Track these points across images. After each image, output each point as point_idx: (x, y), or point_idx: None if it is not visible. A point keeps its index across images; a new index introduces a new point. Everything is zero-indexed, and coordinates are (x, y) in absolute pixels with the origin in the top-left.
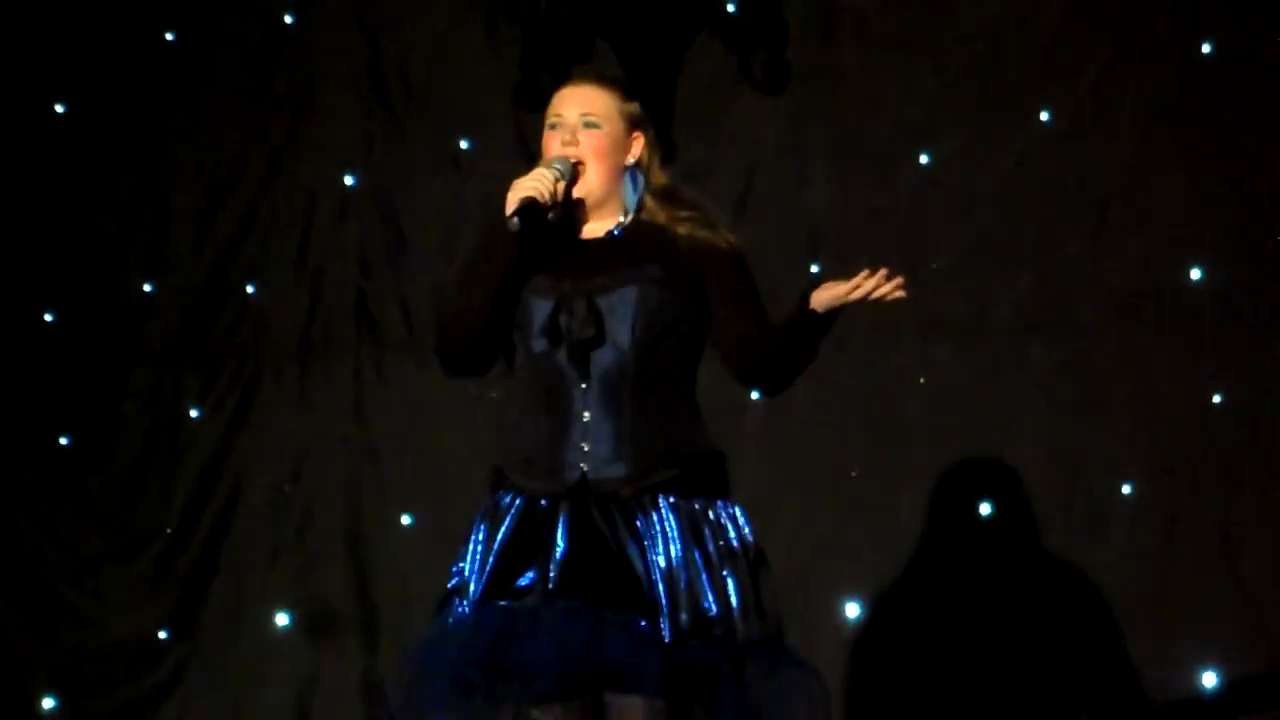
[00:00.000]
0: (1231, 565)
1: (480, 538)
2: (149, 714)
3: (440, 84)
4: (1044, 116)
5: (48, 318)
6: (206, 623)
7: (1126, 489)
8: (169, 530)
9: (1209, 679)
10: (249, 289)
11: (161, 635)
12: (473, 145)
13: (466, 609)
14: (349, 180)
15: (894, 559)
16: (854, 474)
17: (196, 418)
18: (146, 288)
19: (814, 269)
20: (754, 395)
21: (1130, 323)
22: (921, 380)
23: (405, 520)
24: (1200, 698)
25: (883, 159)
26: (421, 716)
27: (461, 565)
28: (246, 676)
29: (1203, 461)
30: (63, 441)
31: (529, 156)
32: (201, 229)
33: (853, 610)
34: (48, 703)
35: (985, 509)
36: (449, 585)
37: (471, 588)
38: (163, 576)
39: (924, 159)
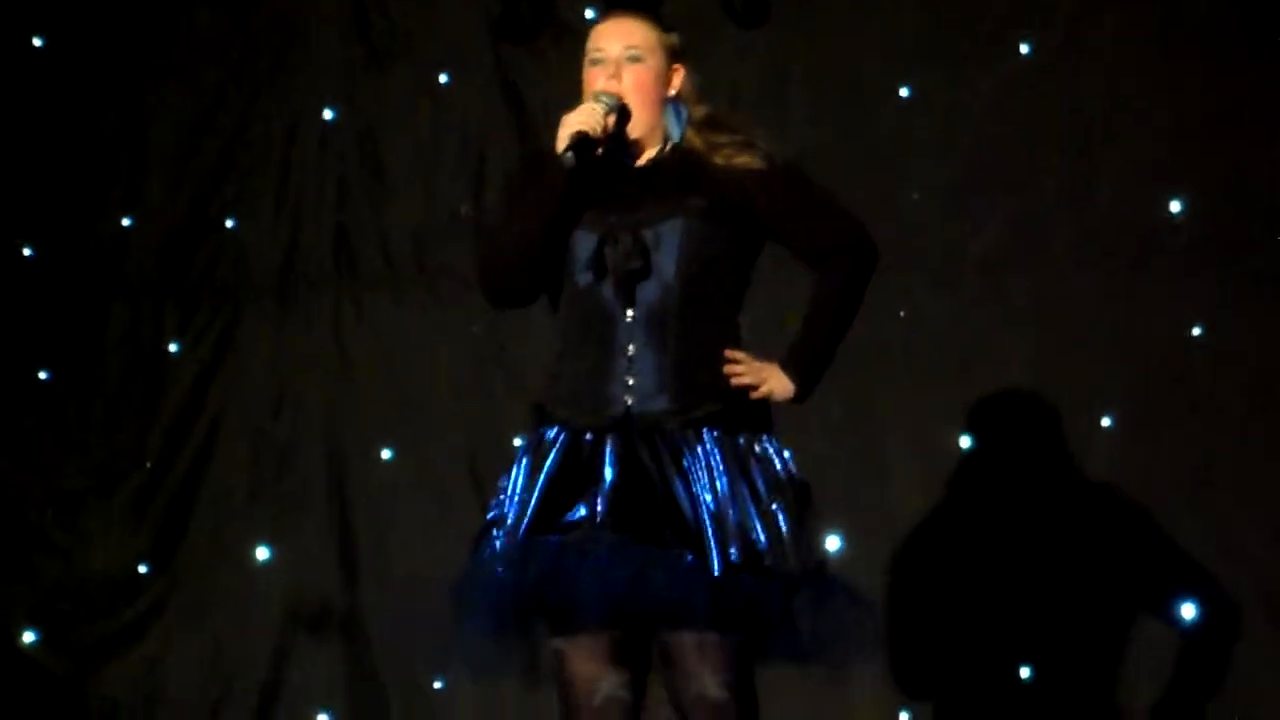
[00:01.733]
0: (1210, 496)
1: (524, 471)
2: (130, 647)
3: (419, 17)
4: (1024, 49)
5: (27, 253)
6: (186, 557)
7: (1106, 421)
8: (148, 464)
9: (1188, 610)
10: (228, 223)
11: (141, 569)
12: (452, 79)
13: (505, 542)
14: (328, 114)
15: (876, 493)
16: (835, 410)
17: (176, 352)
18: (126, 222)
19: None
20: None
21: (1110, 255)
22: (901, 314)
23: (385, 455)
24: (1180, 629)
25: (863, 92)
26: (462, 650)
27: (502, 499)
28: (227, 610)
29: (1182, 394)
30: (42, 376)
31: (508, 90)
32: (181, 163)
33: (834, 543)
34: (28, 636)
35: (966, 442)
36: (487, 518)
37: (510, 521)
38: (142, 511)
39: (904, 92)
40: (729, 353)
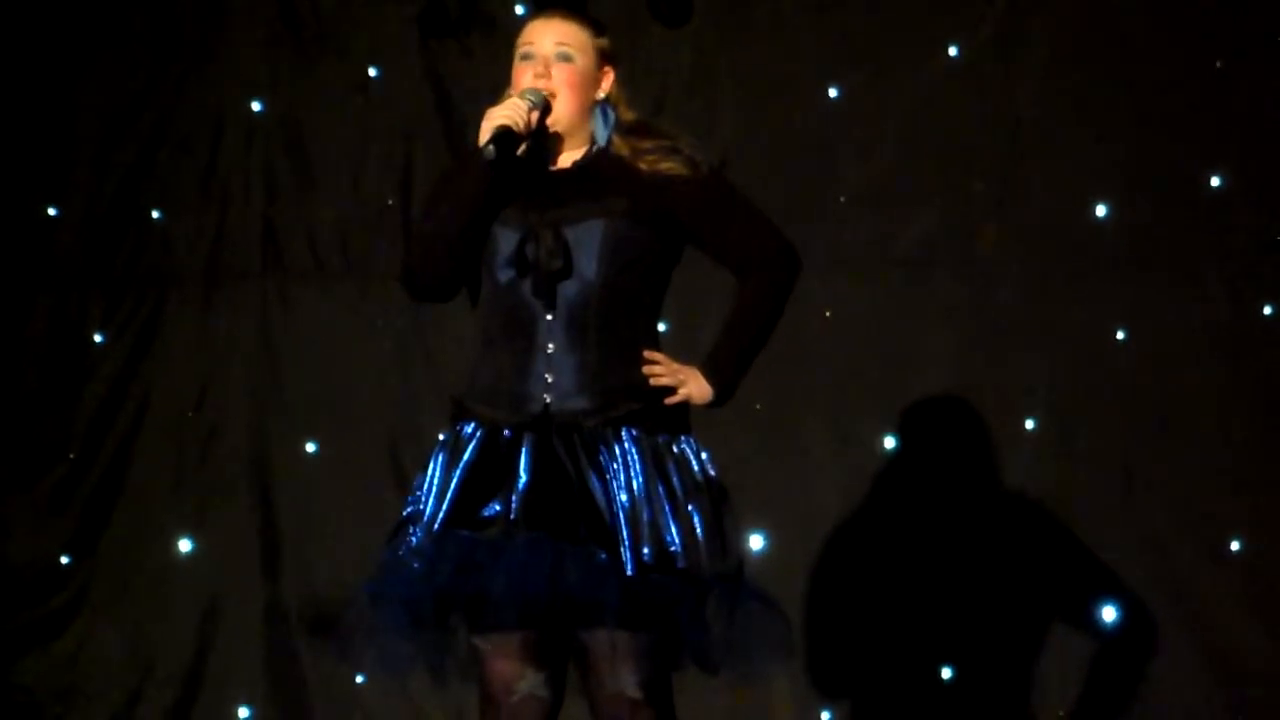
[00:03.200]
0: (1132, 501)
1: (439, 466)
2: (52, 638)
3: (349, 11)
4: (951, 52)
5: None
6: (109, 548)
7: (1030, 424)
8: (72, 455)
9: (1109, 613)
10: (154, 214)
11: (63, 560)
12: (381, 74)
13: (421, 537)
14: (256, 107)
15: (797, 492)
16: (759, 407)
17: (101, 343)
18: (51, 212)
19: None
20: (660, 326)
21: (1035, 258)
22: (827, 314)
23: (309, 448)
24: (1100, 631)
25: (791, 92)
26: (375, 644)
27: (418, 494)
28: (149, 602)
29: (1105, 397)
30: None
31: (437, 85)
32: (107, 154)
33: (757, 542)
34: None
35: (889, 443)
36: (403, 513)
37: (427, 516)
38: (65, 501)
39: (832, 92)
40: (648, 353)
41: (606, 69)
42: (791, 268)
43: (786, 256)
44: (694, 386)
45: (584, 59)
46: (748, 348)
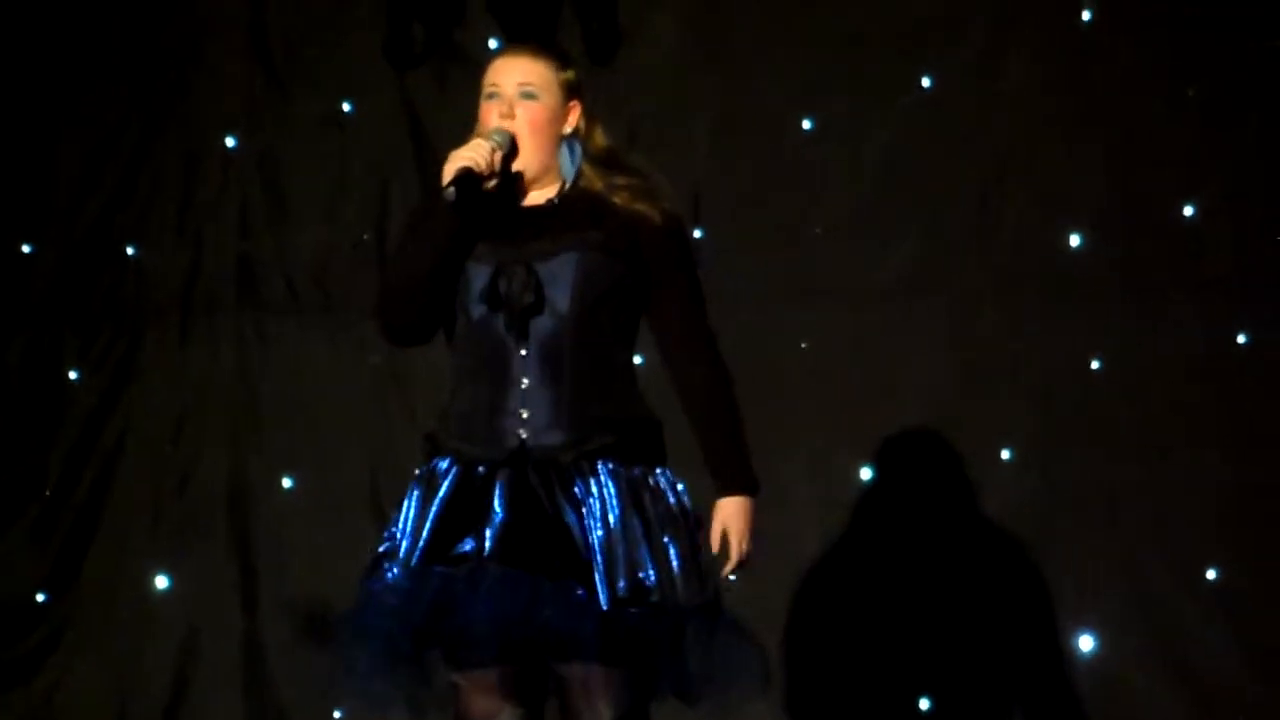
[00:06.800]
0: (1109, 531)
1: (414, 502)
2: (28, 676)
3: (323, 45)
4: (925, 83)
5: None
6: (86, 585)
7: (1005, 454)
8: (48, 492)
9: (1086, 643)
10: (129, 250)
11: (40, 597)
12: (355, 108)
13: (397, 574)
14: (230, 142)
15: (775, 523)
16: None
17: (76, 379)
18: (26, 248)
19: (696, 234)
20: (635, 359)
21: (1011, 289)
22: (803, 345)
23: (286, 483)
24: (1077, 661)
25: (766, 124)
26: (353, 683)
27: (393, 530)
28: (126, 638)
29: (1081, 427)
30: None
31: (412, 119)
32: (82, 190)
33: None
34: None
35: (866, 474)
36: (379, 550)
37: (403, 553)
38: (41, 538)
39: (806, 124)
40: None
41: (573, 103)
42: (728, 377)
43: (722, 365)
44: (742, 517)
45: (548, 96)
46: (736, 435)
